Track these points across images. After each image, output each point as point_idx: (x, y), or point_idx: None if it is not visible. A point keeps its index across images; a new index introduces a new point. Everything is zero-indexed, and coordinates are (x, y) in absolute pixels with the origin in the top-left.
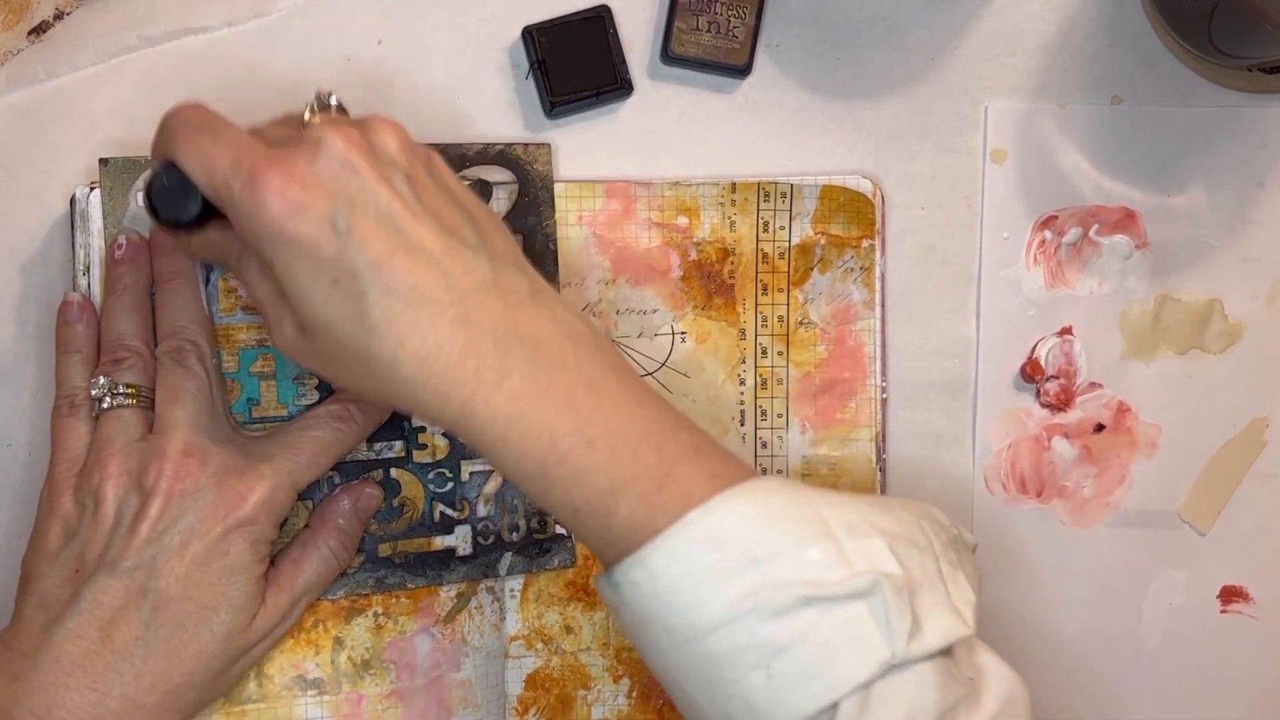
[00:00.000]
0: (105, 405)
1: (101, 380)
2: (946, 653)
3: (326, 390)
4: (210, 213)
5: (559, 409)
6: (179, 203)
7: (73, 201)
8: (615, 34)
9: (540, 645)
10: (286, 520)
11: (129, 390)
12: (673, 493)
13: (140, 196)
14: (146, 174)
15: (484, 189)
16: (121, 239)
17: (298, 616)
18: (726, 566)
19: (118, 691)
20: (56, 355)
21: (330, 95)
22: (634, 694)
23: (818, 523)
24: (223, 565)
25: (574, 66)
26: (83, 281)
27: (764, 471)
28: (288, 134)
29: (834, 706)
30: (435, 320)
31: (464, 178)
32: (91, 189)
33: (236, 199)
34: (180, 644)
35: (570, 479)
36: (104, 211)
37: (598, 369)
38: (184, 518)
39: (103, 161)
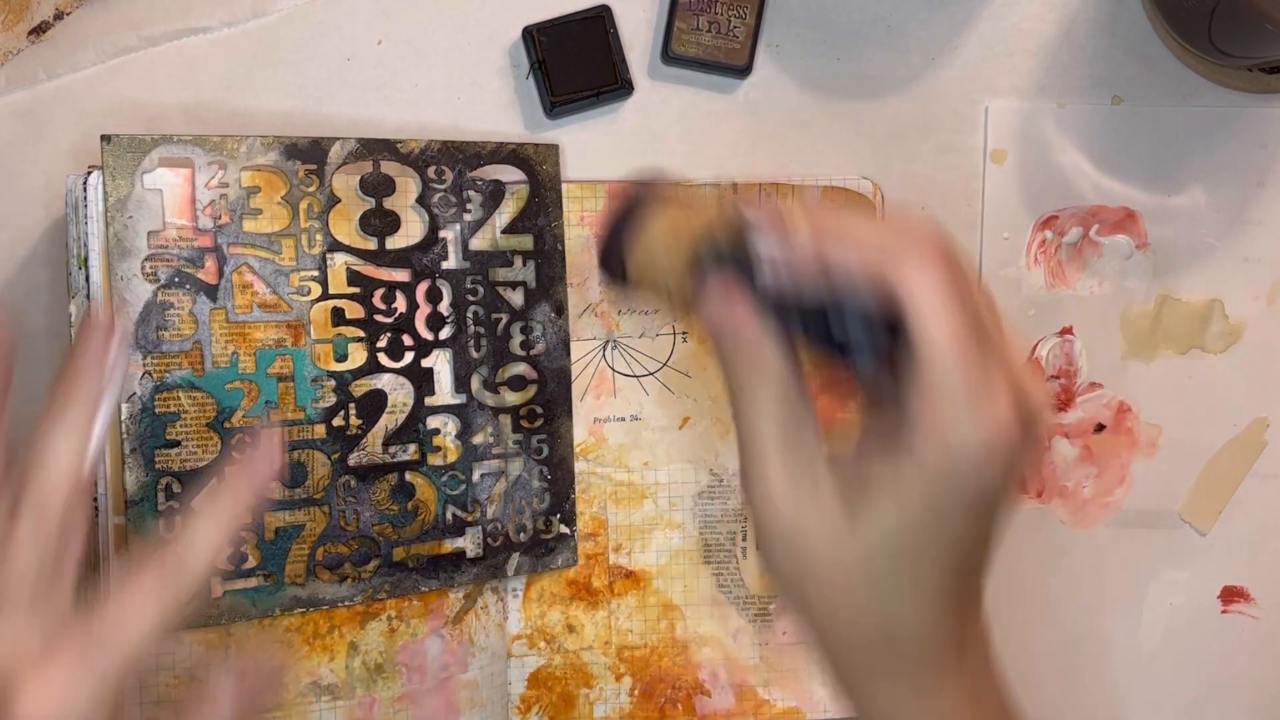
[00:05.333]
0: None
1: None
2: None
3: (344, 393)
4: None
5: None
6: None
7: (67, 192)
8: (615, 34)
9: (543, 644)
10: (304, 526)
11: None
12: None
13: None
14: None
15: (497, 190)
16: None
17: None
18: None
19: None
20: None
21: None
22: (636, 692)
23: None
24: None
25: (574, 66)
26: (78, 276)
27: None
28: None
29: None
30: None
31: (477, 177)
32: (89, 174)
33: (959, 390)
34: None
35: None
36: (106, 193)
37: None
38: None
39: (105, 138)
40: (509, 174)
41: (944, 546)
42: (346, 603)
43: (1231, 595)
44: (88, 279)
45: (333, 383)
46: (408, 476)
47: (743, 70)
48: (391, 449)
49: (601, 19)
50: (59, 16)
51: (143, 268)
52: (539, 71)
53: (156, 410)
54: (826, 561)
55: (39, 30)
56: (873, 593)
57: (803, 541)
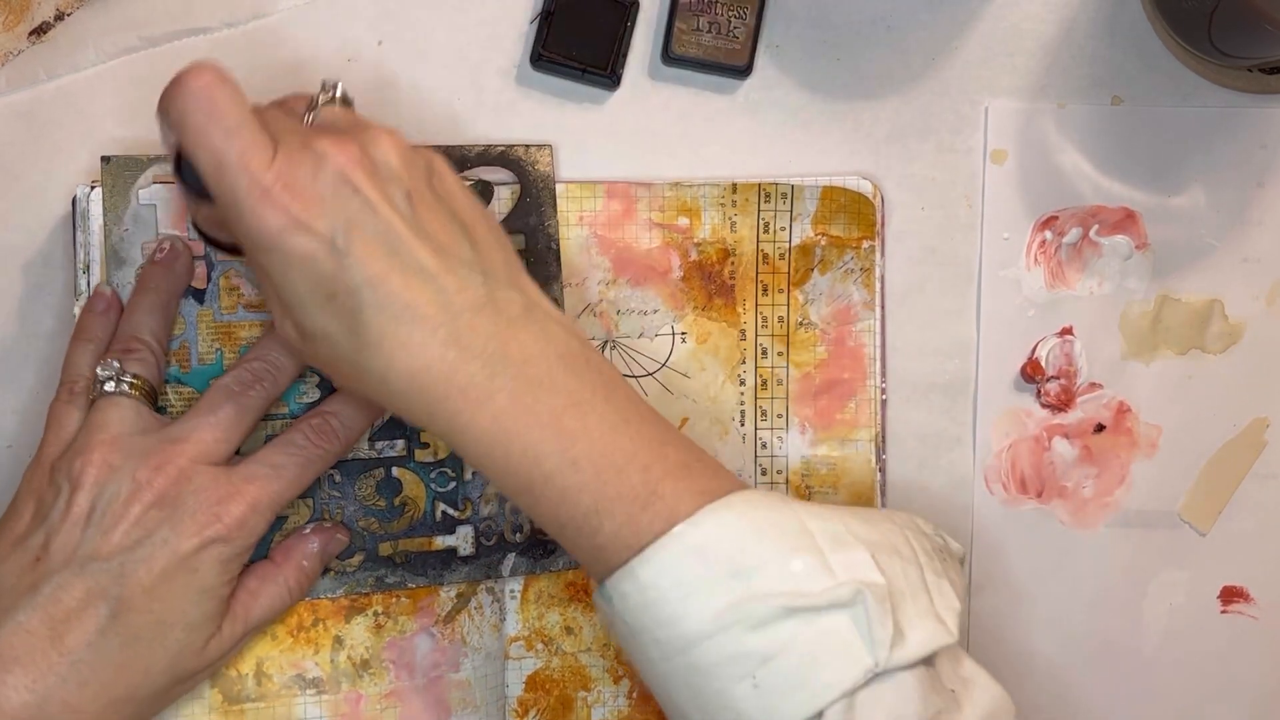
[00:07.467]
0: (108, 389)
1: (113, 363)
2: (930, 663)
3: (328, 388)
4: None
5: (544, 429)
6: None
7: (74, 201)
8: (630, 30)
9: (540, 646)
10: (287, 518)
11: (135, 381)
12: (658, 511)
13: (169, 166)
14: (174, 142)
15: (485, 189)
16: (166, 243)
17: (240, 650)
18: (712, 578)
19: (59, 696)
20: (71, 341)
21: (336, 86)
22: (634, 695)
23: (802, 534)
24: (188, 582)
25: (578, 35)
26: (82, 281)
27: (764, 472)
28: (290, 126)
29: (819, 715)
30: (426, 339)
31: (466, 178)
32: (92, 188)
33: (240, 205)
34: (132, 656)
35: (555, 496)
36: (105, 209)
37: (586, 388)
38: (160, 530)
39: (105, 159)
40: (498, 175)
41: (316, 308)
42: (330, 595)
43: (1231, 595)
44: (88, 285)
45: (316, 378)
46: (394, 472)
47: (743, 71)
48: (378, 444)
49: (627, 9)
50: (59, 17)
51: (137, 275)
52: (544, 21)
53: None
54: (308, 353)
55: (40, 31)
56: (334, 356)
57: (310, 350)
